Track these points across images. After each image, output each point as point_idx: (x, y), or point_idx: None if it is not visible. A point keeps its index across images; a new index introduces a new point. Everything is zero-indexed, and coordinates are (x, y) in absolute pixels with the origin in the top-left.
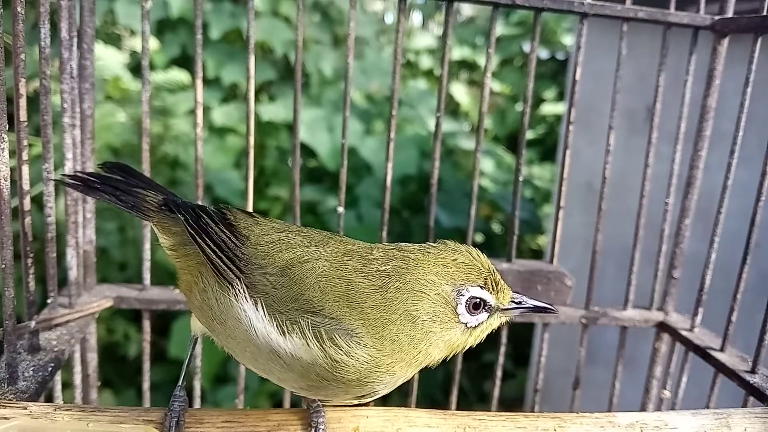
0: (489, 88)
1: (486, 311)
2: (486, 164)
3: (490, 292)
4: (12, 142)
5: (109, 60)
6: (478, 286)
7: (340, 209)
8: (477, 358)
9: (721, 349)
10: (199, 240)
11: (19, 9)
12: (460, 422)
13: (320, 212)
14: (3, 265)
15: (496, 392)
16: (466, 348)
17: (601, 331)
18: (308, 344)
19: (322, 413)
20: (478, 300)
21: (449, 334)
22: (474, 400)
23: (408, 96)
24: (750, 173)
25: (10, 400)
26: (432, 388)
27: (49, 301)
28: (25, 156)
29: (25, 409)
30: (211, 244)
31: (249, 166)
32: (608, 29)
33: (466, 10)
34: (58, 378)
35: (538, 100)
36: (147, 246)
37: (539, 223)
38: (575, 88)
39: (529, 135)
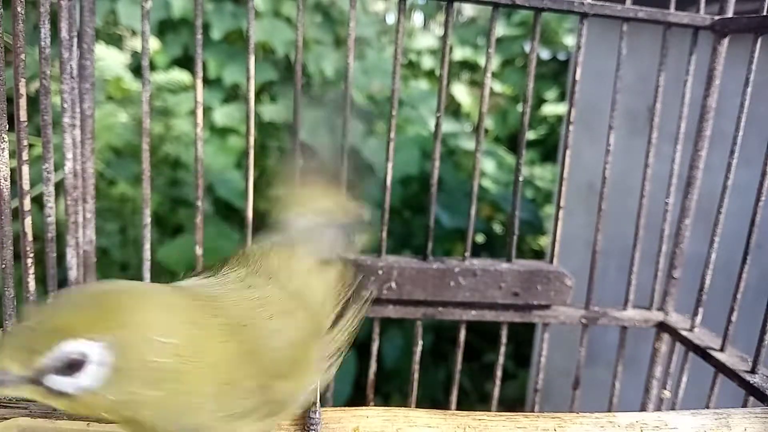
0: (489, 88)
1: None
2: (487, 165)
3: None
4: (12, 142)
5: (111, 60)
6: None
7: None
8: (478, 358)
9: (721, 349)
10: None
11: (19, 9)
12: (460, 422)
13: None
14: (3, 265)
15: (496, 392)
16: None
17: (601, 331)
18: None
19: (319, 414)
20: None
21: None
22: (475, 400)
23: (409, 96)
24: (750, 173)
25: (10, 400)
26: (433, 389)
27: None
28: (25, 156)
29: (25, 409)
30: None
31: (249, 166)
32: (608, 29)
33: (468, 10)
34: None
35: (540, 101)
36: (147, 246)
37: (541, 224)
38: (575, 88)
39: (531, 135)
